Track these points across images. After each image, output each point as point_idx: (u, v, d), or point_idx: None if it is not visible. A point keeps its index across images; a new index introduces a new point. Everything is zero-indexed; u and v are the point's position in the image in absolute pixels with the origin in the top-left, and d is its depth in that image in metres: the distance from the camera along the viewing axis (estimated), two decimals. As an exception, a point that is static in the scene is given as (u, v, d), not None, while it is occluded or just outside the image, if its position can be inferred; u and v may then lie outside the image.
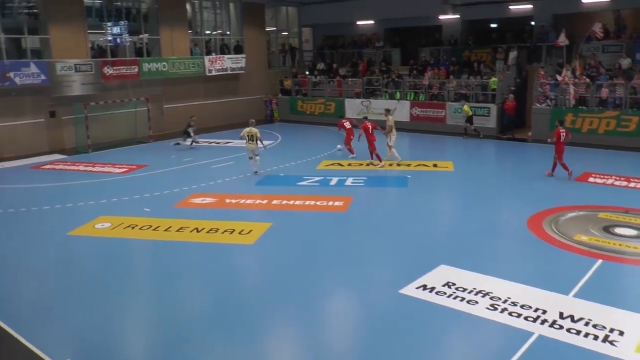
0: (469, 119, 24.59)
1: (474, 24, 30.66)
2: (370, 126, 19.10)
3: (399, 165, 19.23)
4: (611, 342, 7.55)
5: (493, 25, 30.80)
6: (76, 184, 18.18)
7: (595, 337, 7.68)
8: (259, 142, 17.87)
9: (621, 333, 7.77)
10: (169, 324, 8.59)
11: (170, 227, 13.06)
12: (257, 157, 18.26)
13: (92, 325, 8.59)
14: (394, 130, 19.86)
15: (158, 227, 13.11)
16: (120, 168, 20.14)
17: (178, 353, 7.67)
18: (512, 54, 26.30)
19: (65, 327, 8.66)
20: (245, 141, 18.17)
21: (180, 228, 12.94)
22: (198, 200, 15.40)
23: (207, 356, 7.66)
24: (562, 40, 23.28)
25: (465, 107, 24.57)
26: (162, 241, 12.24)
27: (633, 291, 9.55)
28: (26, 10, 24.44)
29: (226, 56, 30.65)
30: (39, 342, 8.04)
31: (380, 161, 19.06)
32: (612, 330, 7.84)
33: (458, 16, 28.87)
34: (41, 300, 9.70)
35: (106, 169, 20.06)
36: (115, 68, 25.69)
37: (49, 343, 8.05)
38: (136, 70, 26.45)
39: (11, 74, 22.29)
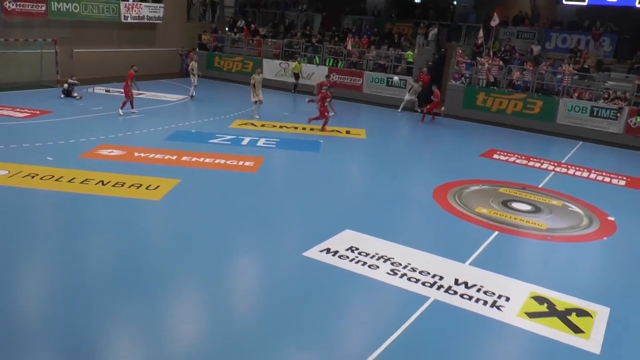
0: (296, 76, 27.50)
1: (399, -3, 30.95)
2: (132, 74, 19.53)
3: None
4: (498, 307, 8.03)
5: (417, 1, 31.17)
6: (-30, 126, 16.97)
7: (485, 303, 8.14)
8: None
9: (507, 299, 8.29)
10: (67, 280, 8.23)
11: (74, 178, 12.49)
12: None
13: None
14: (256, 89, 20.54)
15: (61, 177, 12.49)
16: (21, 112, 18.90)
17: (79, 312, 7.35)
18: (433, 31, 26.88)
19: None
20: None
21: (85, 180, 12.40)
22: (105, 152, 14.79)
23: (109, 315, 7.38)
24: (495, 20, 23.90)
25: (296, 64, 27.38)
26: (64, 193, 11.67)
27: (522, 261, 10.32)
28: None
29: (143, 4, 29.30)
30: None
31: (133, 108, 19.85)
32: (500, 297, 8.33)
33: (383, -12, 29.03)
34: None
35: (5, 112, 18.74)
36: (18, 3, 23.88)
37: None
38: (44, 8, 24.72)
39: None
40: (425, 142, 20.22)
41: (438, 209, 12.30)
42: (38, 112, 19.13)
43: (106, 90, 23.45)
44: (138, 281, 8.28)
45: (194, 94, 23.98)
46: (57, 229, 10.23)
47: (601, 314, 8.10)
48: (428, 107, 22.59)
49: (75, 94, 21.97)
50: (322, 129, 19.17)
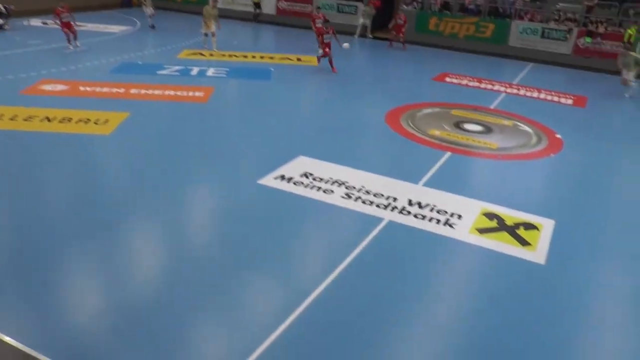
0: (257, 5, 26.72)
1: None
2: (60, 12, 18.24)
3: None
4: (450, 225, 8.25)
5: None
6: None
7: (438, 221, 8.34)
8: None
9: (460, 217, 8.52)
10: (19, 219, 7.99)
11: (16, 115, 11.97)
12: None
13: None
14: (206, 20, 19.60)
15: (2, 115, 11.95)
16: (-49, 48, 17.90)
17: (28, 255, 7.15)
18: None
19: None
20: None
21: (29, 117, 11.92)
22: (48, 87, 14.19)
23: (60, 256, 7.22)
24: None
25: None
26: (6, 131, 11.18)
27: (474, 180, 10.56)
28: None
29: None
30: None
31: (74, 44, 18.67)
32: (452, 215, 8.55)
33: None
34: None
35: None
36: None
37: None
38: None
39: None
40: (378, 67, 20.13)
41: (391, 133, 12.37)
42: (-30, 47, 18.13)
43: (43, 23, 22.26)
44: (93, 217, 8.09)
45: (150, 23, 23.43)
46: (3, 168, 9.82)
47: (547, 226, 8.43)
48: (401, 34, 22.30)
49: (7, 27, 20.80)
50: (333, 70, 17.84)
